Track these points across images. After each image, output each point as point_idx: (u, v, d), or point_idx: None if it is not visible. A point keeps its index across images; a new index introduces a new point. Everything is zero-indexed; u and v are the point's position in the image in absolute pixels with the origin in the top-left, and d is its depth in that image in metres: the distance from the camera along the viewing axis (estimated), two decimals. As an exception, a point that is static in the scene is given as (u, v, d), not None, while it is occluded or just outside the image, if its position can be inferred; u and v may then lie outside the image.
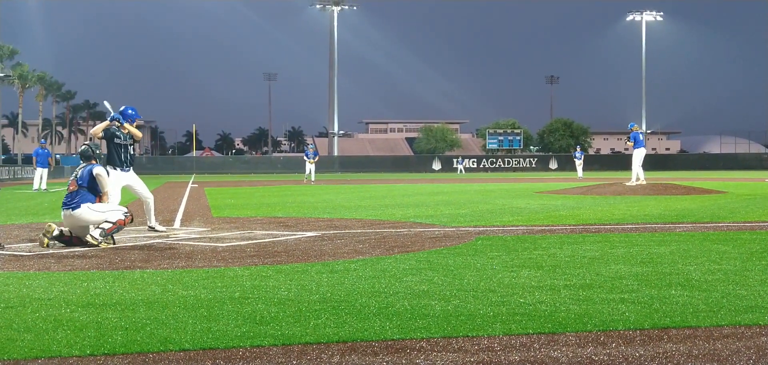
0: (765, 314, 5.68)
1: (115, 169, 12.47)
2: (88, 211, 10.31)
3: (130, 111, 12.71)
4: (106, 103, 13.19)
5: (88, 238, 10.16)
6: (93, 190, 10.58)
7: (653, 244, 10.08)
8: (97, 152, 11.05)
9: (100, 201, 10.60)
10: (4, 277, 7.67)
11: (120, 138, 12.51)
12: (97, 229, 10.24)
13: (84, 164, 10.86)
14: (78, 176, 10.69)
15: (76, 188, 10.57)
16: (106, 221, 10.27)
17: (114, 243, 10.42)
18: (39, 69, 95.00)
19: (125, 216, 10.45)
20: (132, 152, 12.75)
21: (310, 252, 9.55)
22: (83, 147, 11.15)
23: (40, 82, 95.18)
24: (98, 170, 10.68)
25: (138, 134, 12.84)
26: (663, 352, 4.67)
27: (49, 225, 10.28)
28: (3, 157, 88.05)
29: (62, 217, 10.53)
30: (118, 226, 10.37)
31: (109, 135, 12.49)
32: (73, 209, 10.33)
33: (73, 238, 10.31)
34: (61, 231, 10.26)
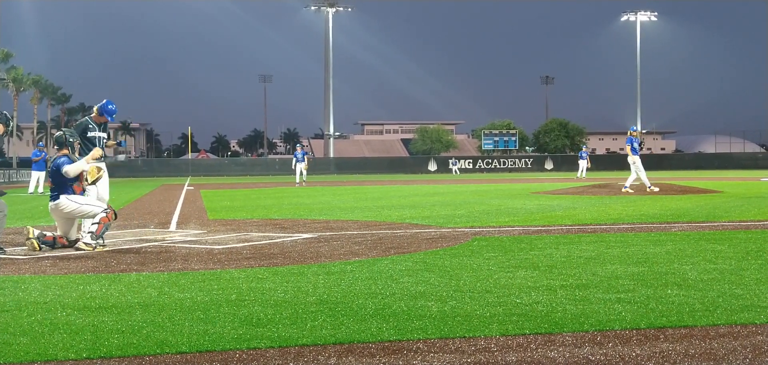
0: (761, 313, 5.69)
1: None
2: (66, 201, 10.38)
3: (110, 106, 12.36)
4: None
5: (81, 245, 10.15)
6: (64, 182, 10.56)
7: (649, 244, 10.09)
8: (70, 140, 10.92)
9: (77, 192, 10.59)
10: (0, 281, 7.66)
11: (94, 130, 12.18)
12: (86, 234, 10.22)
13: (58, 153, 10.87)
14: (50, 172, 10.81)
15: (53, 184, 10.67)
16: (92, 224, 10.24)
17: (104, 244, 10.40)
18: (34, 72, 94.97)
19: (106, 213, 10.40)
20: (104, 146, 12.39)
21: (307, 254, 9.54)
22: (58, 134, 11.09)
23: (35, 86, 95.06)
24: (65, 168, 10.57)
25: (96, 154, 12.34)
26: (659, 352, 4.67)
27: (26, 229, 10.29)
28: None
29: (50, 210, 10.57)
30: (105, 225, 10.33)
31: (80, 130, 12.07)
32: (53, 200, 10.47)
33: (57, 238, 10.30)
34: (43, 232, 10.25)
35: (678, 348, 4.76)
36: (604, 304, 6.04)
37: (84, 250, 10.08)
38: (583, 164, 51.99)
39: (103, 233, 10.38)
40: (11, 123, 10.57)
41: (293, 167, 42.68)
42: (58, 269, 8.50)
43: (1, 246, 10.01)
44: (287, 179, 55.15)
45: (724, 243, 10.01)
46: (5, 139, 10.68)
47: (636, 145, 25.81)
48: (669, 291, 6.55)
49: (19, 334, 5.25)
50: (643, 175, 25.13)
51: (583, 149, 55.64)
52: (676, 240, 10.47)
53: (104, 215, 10.35)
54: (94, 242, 10.19)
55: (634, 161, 25.22)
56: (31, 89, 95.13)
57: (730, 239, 10.49)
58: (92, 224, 10.25)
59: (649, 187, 24.65)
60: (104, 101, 12.29)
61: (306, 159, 43.18)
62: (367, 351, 4.76)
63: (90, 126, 12.07)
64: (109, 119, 12.21)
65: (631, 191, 24.47)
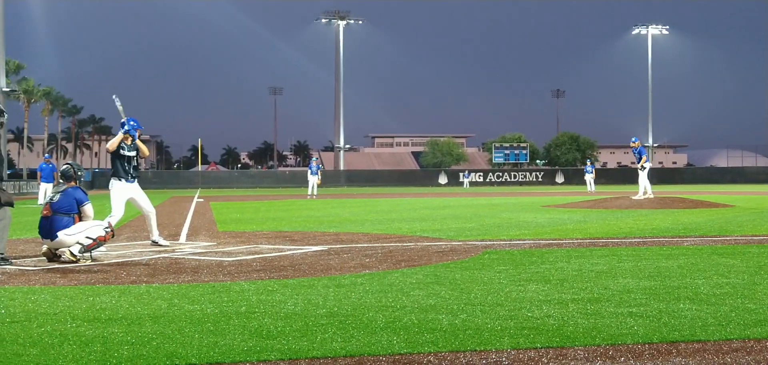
0: (775, 328, 5.64)
1: (120, 180, 12.42)
2: (65, 237, 10.18)
3: (131, 122, 12.62)
4: (116, 100, 13.07)
5: (67, 253, 10.07)
6: (70, 213, 10.49)
7: (661, 258, 10.04)
8: (79, 173, 10.92)
9: (78, 220, 10.52)
10: (10, 292, 7.67)
11: (125, 149, 12.46)
12: (76, 245, 10.12)
13: (62, 185, 10.78)
14: (54, 202, 10.53)
15: (49, 214, 10.39)
16: (86, 238, 10.16)
17: (92, 260, 10.29)
18: (44, 84, 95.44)
19: (106, 232, 10.32)
20: (136, 164, 12.67)
21: (317, 266, 9.53)
22: (64, 167, 10.97)
23: (46, 97, 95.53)
24: (88, 209, 10.61)
25: (145, 150, 12.79)
26: (672, 366, 4.64)
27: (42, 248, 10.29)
28: (9, 171, 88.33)
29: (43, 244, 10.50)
30: (99, 242, 10.24)
31: (115, 150, 12.44)
32: (52, 239, 10.25)
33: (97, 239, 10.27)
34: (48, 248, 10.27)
35: (691, 362, 4.72)
36: (616, 318, 6.00)
37: (68, 259, 10.01)
38: (589, 177, 52.80)
39: (95, 249, 10.30)
40: (5, 116, 10.56)
41: (309, 179, 42.93)
42: (67, 280, 8.51)
43: (6, 257, 10.00)
44: (297, 191, 55.23)
45: (737, 257, 9.95)
46: (1, 133, 10.61)
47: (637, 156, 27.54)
48: (681, 305, 6.51)
49: (29, 345, 5.25)
50: (646, 184, 26.75)
51: (588, 164, 56.37)
52: (688, 254, 10.42)
53: (103, 234, 10.27)
54: (80, 255, 10.11)
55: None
56: (42, 101, 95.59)
57: (742, 254, 10.43)
58: (86, 237, 10.16)
59: (640, 196, 26.17)
60: (123, 119, 12.59)
61: (319, 173, 43.35)
62: (378, 364, 4.74)
63: (123, 145, 12.40)
64: (131, 133, 12.47)
65: (642, 197, 25.64)
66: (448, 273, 8.68)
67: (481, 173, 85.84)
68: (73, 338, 5.43)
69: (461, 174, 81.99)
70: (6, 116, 10.64)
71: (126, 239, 13.62)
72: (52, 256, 10.27)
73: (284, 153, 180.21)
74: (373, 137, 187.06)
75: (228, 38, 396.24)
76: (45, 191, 33.14)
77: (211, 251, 11.52)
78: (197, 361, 4.80)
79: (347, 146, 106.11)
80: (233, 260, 10.24)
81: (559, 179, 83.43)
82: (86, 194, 10.79)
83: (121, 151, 12.44)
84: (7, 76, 58.06)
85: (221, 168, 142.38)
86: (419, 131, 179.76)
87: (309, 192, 42.18)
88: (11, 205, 10.20)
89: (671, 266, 9.16)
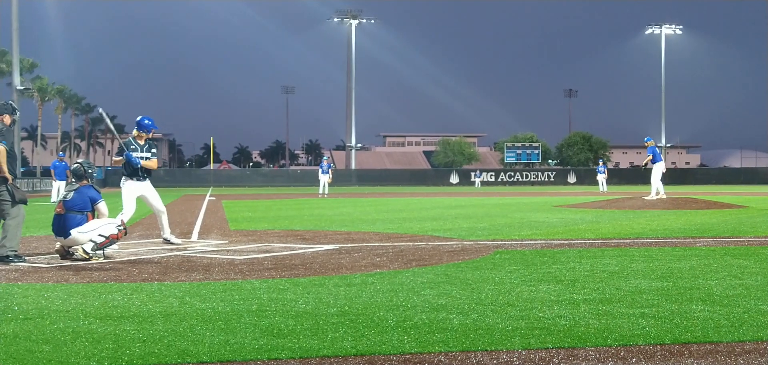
0: (788, 329, 5.61)
1: (131, 179, 12.49)
2: (78, 235, 10.20)
3: (146, 121, 12.71)
4: (103, 113, 13.38)
5: (80, 251, 10.12)
6: (83, 211, 10.51)
7: (673, 258, 10.00)
8: (89, 171, 10.96)
9: (92, 218, 10.54)
10: (23, 289, 7.70)
11: (137, 150, 12.52)
12: (89, 242, 10.17)
13: (74, 183, 10.80)
14: (68, 200, 10.55)
15: (63, 212, 10.43)
16: (99, 236, 10.20)
17: (105, 257, 10.33)
18: (58, 82, 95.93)
19: (119, 230, 10.35)
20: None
21: (328, 265, 9.53)
22: (75, 166, 11.00)
23: (59, 95, 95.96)
24: (102, 207, 10.66)
25: (153, 164, 12.76)
26: (684, 368, 4.62)
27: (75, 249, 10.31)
28: (22, 169, 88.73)
29: (56, 242, 10.54)
30: (112, 240, 10.28)
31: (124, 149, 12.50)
32: (65, 236, 10.29)
33: (109, 236, 10.30)
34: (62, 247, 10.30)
35: (703, 364, 4.70)
36: (628, 319, 5.98)
37: (81, 257, 10.06)
38: (601, 178, 52.93)
39: (107, 247, 10.35)
40: (18, 113, 10.60)
41: (320, 178, 42.96)
42: (80, 277, 8.54)
43: (20, 254, 10.04)
44: (309, 190, 55.26)
45: (750, 259, 9.90)
46: (13, 131, 10.64)
47: (658, 152, 27.71)
48: (694, 307, 6.48)
49: (41, 342, 5.27)
50: (658, 185, 26.74)
51: (600, 164, 56.44)
52: (700, 255, 10.37)
53: (116, 232, 10.32)
54: (93, 252, 10.16)
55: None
56: (56, 99, 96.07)
57: (756, 255, 10.37)
58: (99, 235, 10.20)
59: (653, 197, 26.16)
60: (139, 118, 12.69)
61: (330, 172, 43.38)
62: (388, 364, 4.73)
63: (132, 146, 12.45)
64: (146, 132, 12.58)
65: (654, 198, 25.50)
66: (459, 273, 8.67)
67: (493, 173, 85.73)
68: (85, 335, 5.45)
69: (473, 174, 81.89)
70: (19, 113, 10.69)
71: (138, 237, 13.66)
72: (65, 253, 10.33)
73: (296, 152, 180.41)
74: (385, 137, 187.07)
75: (241, 37, 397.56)
76: (58, 188, 33.36)
77: (222, 250, 11.54)
78: (208, 359, 4.81)
79: (359, 145, 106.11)
80: (244, 259, 10.25)
81: (571, 179, 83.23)
82: (99, 193, 10.84)
83: (133, 152, 12.48)
84: (21, 74, 58.32)
85: (233, 167, 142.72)
86: (431, 131, 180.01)
87: (320, 191, 42.23)
88: (25, 203, 10.26)
89: (684, 267, 9.12)
